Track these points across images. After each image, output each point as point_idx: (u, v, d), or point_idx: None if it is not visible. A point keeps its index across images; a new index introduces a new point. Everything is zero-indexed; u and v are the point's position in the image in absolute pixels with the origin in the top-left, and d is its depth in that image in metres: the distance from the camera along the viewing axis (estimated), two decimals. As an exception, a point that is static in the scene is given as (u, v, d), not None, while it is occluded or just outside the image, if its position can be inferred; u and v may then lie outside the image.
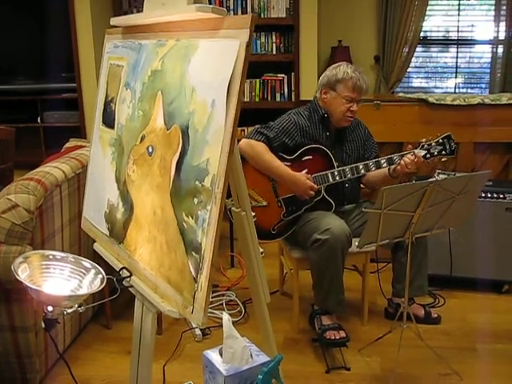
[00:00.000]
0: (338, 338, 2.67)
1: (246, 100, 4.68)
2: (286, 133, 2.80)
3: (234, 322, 2.96)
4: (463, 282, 3.33)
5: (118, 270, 1.72)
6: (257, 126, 2.84)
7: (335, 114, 2.83)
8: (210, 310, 3.13)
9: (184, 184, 1.40)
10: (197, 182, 1.35)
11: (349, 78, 2.77)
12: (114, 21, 1.85)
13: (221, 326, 2.93)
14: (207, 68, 1.36)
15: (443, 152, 2.76)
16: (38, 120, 5.33)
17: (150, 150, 1.58)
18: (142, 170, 1.62)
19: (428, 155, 2.75)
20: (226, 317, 1.35)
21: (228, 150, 1.25)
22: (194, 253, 1.36)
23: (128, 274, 1.67)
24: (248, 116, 4.14)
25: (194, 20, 1.44)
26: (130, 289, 1.69)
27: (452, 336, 2.88)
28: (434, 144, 2.75)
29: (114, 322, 3.02)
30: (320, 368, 2.61)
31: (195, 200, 1.35)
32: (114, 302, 2.94)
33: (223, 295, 3.30)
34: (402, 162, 2.71)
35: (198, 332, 2.88)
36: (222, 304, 3.21)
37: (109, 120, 1.90)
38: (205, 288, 1.32)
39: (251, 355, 1.38)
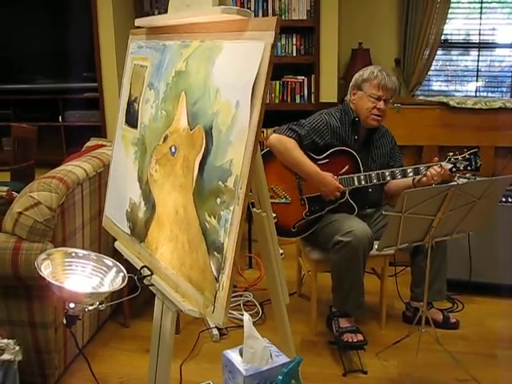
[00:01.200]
0: (355, 340, 2.66)
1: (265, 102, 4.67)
2: (316, 132, 2.81)
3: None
4: (482, 287, 3.30)
5: (138, 268, 1.73)
6: (289, 123, 2.84)
7: (362, 113, 2.85)
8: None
9: (207, 184, 1.41)
10: (220, 183, 1.35)
11: (374, 77, 2.80)
12: (138, 22, 1.87)
13: (238, 326, 2.98)
14: (232, 69, 1.37)
15: (468, 168, 2.77)
16: (59, 119, 5.38)
17: (173, 149, 1.59)
18: (165, 169, 1.64)
19: (454, 169, 2.76)
20: (246, 317, 1.36)
21: (252, 151, 1.25)
22: (215, 253, 1.37)
23: (149, 273, 1.68)
24: (268, 118, 4.13)
25: (219, 21, 1.45)
26: (151, 287, 1.71)
27: (470, 341, 2.86)
28: (460, 159, 2.76)
29: (132, 320, 3.04)
30: (337, 371, 2.61)
31: (218, 200, 1.36)
32: (132, 300, 2.96)
33: (241, 296, 3.31)
34: (429, 173, 2.72)
35: (215, 332, 2.89)
36: (240, 305, 3.22)
37: (132, 120, 1.92)
38: (226, 288, 1.32)
39: (271, 356, 1.38)
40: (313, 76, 4.61)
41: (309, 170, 2.78)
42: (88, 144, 3.46)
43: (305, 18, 4.56)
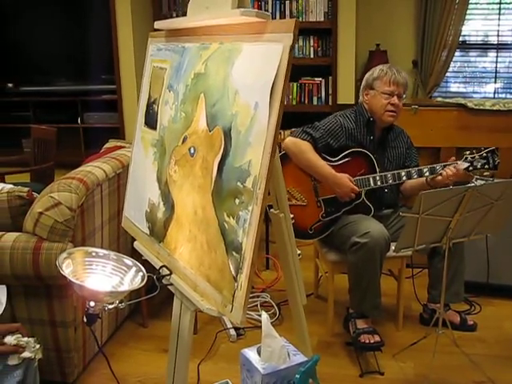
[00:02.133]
0: (372, 342, 2.66)
1: (282, 103, 4.69)
2: (331, 134, 2.82)
3: (268, 324, 2.99)
4: (500, 290, 3.28)
5: (157, 268, 1.75)
6: (304, 126, 2.86)
7: (377, 111, 2.85)
8: (244, 311, 3.15)
9: (225, 185, 1.43)
10: (238, 183, 1.37)
11: (384, 74, 2.82)
12: (157, 24, 1.89)
13: (255, 327, 2.99)
14: (251, 71, 1.38)
15: (486, 166, 2.74)
16: (78, 121, 5.44)
17: (192, 150, 1.61)
18: (184, 170, 1.65)
19: (471, 168, 2.74)
20: (264, 316, 1.37)
21: (270, 152, 1.27)
22: (234, 252, 1.38)
23: (168, 272, 1.70)
24: (285, 119, 4.15)
25: (238, 24, 1.47)
26: (170, 287, 1.72)
27: (488, 344, 2.85)
28: (477, 157, 2.74)
29: (150, 320, 3.07)
30: (354, 372, 2.61)
31: (236, 201, 1.38)
32: (150, 300, 2.99)
33: (258, 297, 3.33)
34: (444, 173, 2.71)
35: (232, 332, 2.91)
36: (257, 305, 3.23)
37: (151, 121, 1.94)
38: (244, 287, 1.34)
39: (288, 355, 1.40)
40: (330, 78, 4.62)
41: (323, 172, 2.79)
42: (107, 145, 3.49)
43: (322, 19, 4.58)
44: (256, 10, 1.35)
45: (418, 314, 3.09)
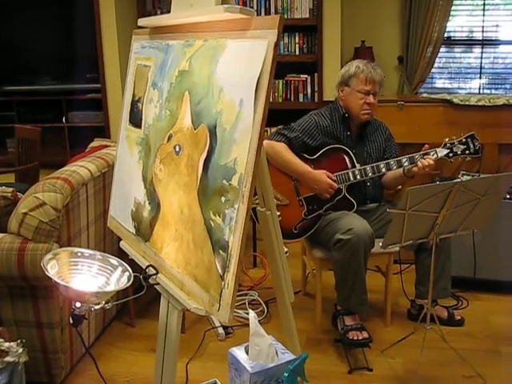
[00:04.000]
0: (360, 338, 2.66)
1: (268, 101, 4.68)
2: (306, 133, 2.83)
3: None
4: (487, 284, 3.30)
5: (144, 267, 1.74)
6: (279, 127, 2.87)
7: (353, 109, 2.85)
8: (232, 309, 3.15)
9: (211, 183, 1.41)
10: (224, 181, 1.36)
11: (360, 72, 2.81)
12: (141, 21, 1.87)
13: (244, 325, 2.98)
14: (235, 68, 1.37)
15: (467, 151, 2.74)
16: (63, 120, 5.39)
17: (177, 149, 1.60)
18: (169, 168, 1.64)
19: (451, 154, 2.74)
20: (252, 314, 1.36)
21: (256, 149, 1.26)
22: (221, 251, 1.37)
23: (154, 272, 1.69)
24: (271, 117, 4.13)
25: (222, 20, 1.46)
26: (156, 286, 1.71)
27: (475, 338, 2.86)
28: (456, 143, 2.74)
29: (138, 320, 3.05)
30: (342, 368, 2.61)
31: (222, 199, 1.37)
32: (138, 300, 2.97)
33: (246, 295, 3.32)
34: (420, 163, 2.70)
35: (220, 331, 2.90)
36: (245, 303, 3.22)
37: (136, 119, 1.93)
38: (231, 286, 1.33)
39: (277, 353, 1.39)
40: (316, 74, 4.61)
41: (299, 170, 2.80)
42: (92, 144, 3.47)
43: (307, 16, 4.56)
44: (240, 7, 1.34)
45: (405, 310, 3.09)
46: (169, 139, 1.66)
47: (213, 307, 1.40)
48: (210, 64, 1.47)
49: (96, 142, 3.47)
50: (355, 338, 2.67)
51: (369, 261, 2.70)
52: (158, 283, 1.68)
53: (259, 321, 3.00)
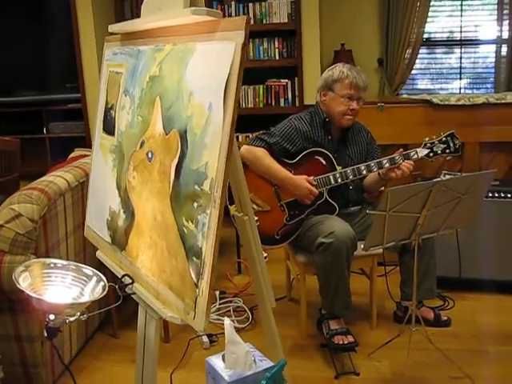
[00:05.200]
0: (346, 342, 2.64)
1: (250, 106, 4.68)
2: (286, 138, 2.80)
3: (241, 329, 2.96)
4: (473, 284, 3.29)
5: (120, 277, 1.70)
6: (258, 133, 2.85)
7: (336, 115, 2.83)
8: (217, 316, 3.12)
9: (183, 188, 1.39)
10: (196, 187, 1.33)
11: (345, 77, 2.78)
12: (111, 27, 1.85)
13: (228, 332, 2.93)
14: (204, 71, 1.35)
15: (447, 150, 2.73)
16: (44, 131, 5.34)
17: (150, 155, 1.57)
18: (143, 175, 1.61)
19: (431, 154, 2.73)
20: (227, 321, 1.34)
21: (226, 153, 1.24)
22: (194, 258, 1.35)
23: (130, 281, 1.66)
24: (253, 122, 4.15)
25: (191, 24, 1.44)
26: (133, 296, 1.68)
27: (462, 338, 2.85)
28: (436, 142, 2.73)
29: (121, 330, 3.00)
30: (329, 373, 2.58)
31: (195, 204, 1.34)
32: (121, 310, 2.94)
33: (230, 302, 3.29)
34: (393, 174, 2.70)
35: (205, 339, 2.86)
36: (230, 311, 3.19)
37: (109, 127, 1.90)
38: (206, 293, 1.30)
39: (254, 361, 1.36)
40: (296, 79, 4.60)
41: (279, 176, 2.77)
42: (72, 155, 3.42)
43: (286, 21, 4.56)
44: (207, 9, 1.32)
45: (391, 312, 3.08)
46: (141, 146, 1.63)
47: (188, 315, 1.38)
48: (179, 68, 1.45)
49: (76, 152, 3.42)
50: (341, 342, 2.65)
51: (352, 264, 2.69)
52: (134, 293, 1.65)
53: (244, 328, 3.00)
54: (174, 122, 1.45)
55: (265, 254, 1.85)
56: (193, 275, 1.35)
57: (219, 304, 3.26)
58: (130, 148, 1.71)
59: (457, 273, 3.26)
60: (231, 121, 1.24)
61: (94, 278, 1.59)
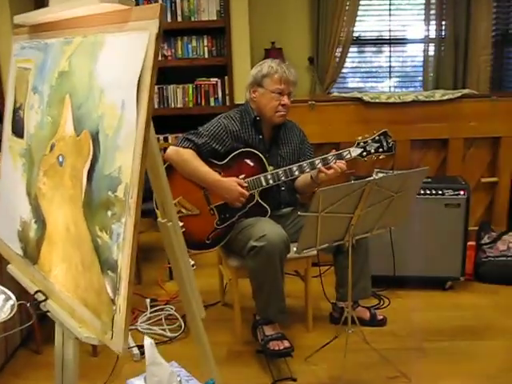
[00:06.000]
0: (281, 348, 2.57)
1: (179, 106, 4.54)
2: (215, 138, 2.69)
3: (174, 338, 2.84)
4: (407, 281, 3.30)
5: (32, 293, 1.55)
6: (185, 133, 2.73)
7: (267, 111, 2.74)
8: (148, 326, 2.99)
9: (96, 195, 1.26)
10: (109, 193, 1.21)
11: (274, 71, 2.71)
12: (17, 19, 1.69)
13: (161, 342, 2.82)
14: (115, 65, 1.23)
15: (380, 149, 2.70)
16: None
17: (61, 159, 1.43)
18: (53, 181, 1.47)
19: (364, 153, 2.69)
20: (147, 342, 1.22)
21: (141, 155, 1.12)
22: (110, 272, 1.22)
23: (43, 298, 1.51)
24: (182, 122, 4.02)
25: (101, 13, 1.31)
26: (48, 314, 1.54)
27: (398, 337, 2.84)
28: (370, 141, 2.69)
29: (45, 346, 2.81)
30: (265, 380, 2.51)
31: (109, 212, 1.21)
32: (44, 323, 2.76)
33: (162, 310, 3.15)
34: (323, 175, 2.65)
35: (135, 351, 2.72)
36: (162, 319, 3.06)
37: (18, 129, 1.74)
38: (123, 310, 1.18)
39: (180, 381, 1.25)
40: (226, 77, 4.51)
41: (208, 179, 2.67)
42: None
43: (215, 18, 4.44)
44: (118, -4, 1.20)
45: (327, 314, 3.03)
46: (51, 149, 1.48)
47: (105, 335, 1.25)
48: (89, 63, 1.32)
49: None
50: (276, 348, 2.57)
51: (286, 266, 2.62)
52: (48, 310, 1.50)
53: (176, 337, 2.87)
54: (84, 122, 1.32)
55: (192, 262, 1.74)
56: (109, 291, 1.23)
57: (150, 313, 3.12)
58: (39, 151, 1.56)
59: (391, 271, 3.26)
60: (145, 120, 1.12)
61: (2, 297, 1.43)
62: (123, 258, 1.17)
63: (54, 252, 1.48)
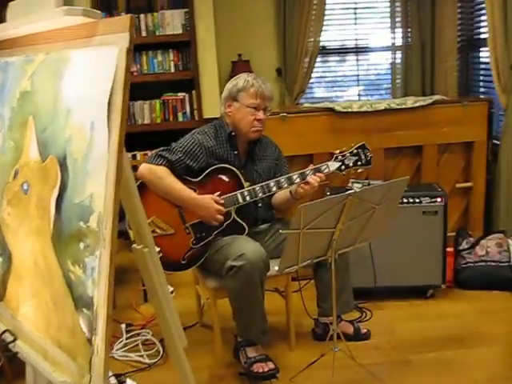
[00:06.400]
0: (266, 370, 2.48)
1: (146, 122, 4.43)
2: (189, 155, 2.59)
3: (152, 364, 2.72)
4: (388, 292, 3.25)
5: (-1, 333, 1.43)
6: (158, 149, 2.62)
7: (242, 126, 2.67)
8: (124, 353, 2.85)
9: (66, 226, 1.15)
10: (81, 223, 1.10)
11: (250, 86, 2.63)
12: (-28, 37, 1.57)
13: (139, 370, 2.70)
14: (83, 83, 1.13)
15: (359, 163, 2.65)
16: None
17: (25, 187, 1.32)
18: (18, 211, 1.36)
19: (343, 167, 2.63)
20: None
21: (114, 181, 1.02)
22: (85, 309, 1.11)
23: (12, 338, 1.39)
24: (150, 139, 3.91)
25: (66, 28, 1.21)
26: (18, 355, 1.41)
27: (383, 350, 2.77)
28: (348, 155, 2.63)
29: (16, 381, 2.66)
30: (250, 404, 2.42)
31: (81, 245, 1.11)
32: (15, 358, 2.61)
33: (138, 335, 3.02)
34: (301, 190, 2.58)
35: (113, 381, 2.59)
36: (138, 345, 2.93)
37: (-22, 155, 1.61)
38: (102, 352, 1.07)
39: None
40: (194, 92, 4.42)
41: (182, 197, 2.57)
42: None
43: (180, 31, 4.36)
44: (83, 8, 1.10)
45: (310, 330, 2.95)
46: (15, 176, 1.37)
47: (83, 379, 1.14)
48: (53, 82, 1.21)
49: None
50: (260, 370, 2.49)
51: (266, 283, 2.53)
52: (17, 352, 1.38)
53: (155, 363, 2.76)
54: (50, 146, 1.21)
55: (171, 289, 1.64)
56: (84, 330, 1.12)
57: (126, 338, 2.98)
58: (1, 179, 1.44)
59: (372, 282, 3.19)
60: (118, 142, 1.02)
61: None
62: (99, 294, 1.06)
63: (21, 288, 1.37)
